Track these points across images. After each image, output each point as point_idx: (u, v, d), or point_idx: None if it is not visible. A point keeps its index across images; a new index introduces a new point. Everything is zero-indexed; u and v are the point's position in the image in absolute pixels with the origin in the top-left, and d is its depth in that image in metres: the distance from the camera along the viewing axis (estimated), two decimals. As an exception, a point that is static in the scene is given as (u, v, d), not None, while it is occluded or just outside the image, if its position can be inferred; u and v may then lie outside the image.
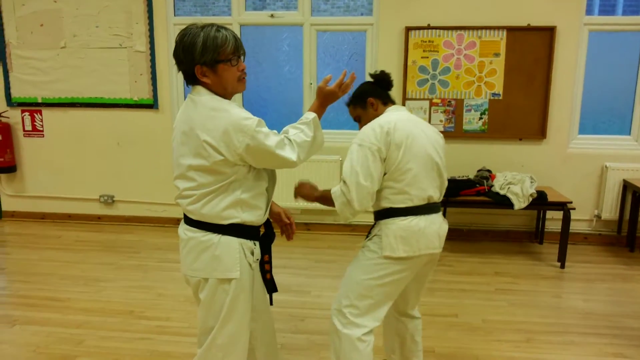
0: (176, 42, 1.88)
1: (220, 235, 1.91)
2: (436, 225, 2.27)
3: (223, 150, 1.81)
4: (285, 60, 5.15)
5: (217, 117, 1.82)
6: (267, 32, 5.12)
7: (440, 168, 2.29)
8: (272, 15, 4.99)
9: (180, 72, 1.93)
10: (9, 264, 4.38)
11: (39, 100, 5.33)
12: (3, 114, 5.37)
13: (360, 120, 2.43)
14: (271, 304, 2.23)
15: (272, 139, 1.87)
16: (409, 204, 2.21)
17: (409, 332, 2.54)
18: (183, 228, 2.00)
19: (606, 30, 4.72)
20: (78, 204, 5.51)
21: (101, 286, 3.88)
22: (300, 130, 2.01)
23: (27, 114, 5.40)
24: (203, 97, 1.88)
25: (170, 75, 5.14)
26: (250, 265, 1.99)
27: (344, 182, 2.20)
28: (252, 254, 1.99)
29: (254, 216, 1.96)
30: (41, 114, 5.38)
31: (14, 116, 5.41)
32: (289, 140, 1.95)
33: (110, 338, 3.13)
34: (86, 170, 5.42)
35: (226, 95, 1.93)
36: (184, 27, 1.94)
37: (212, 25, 1.86)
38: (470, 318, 3.40)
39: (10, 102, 5.36)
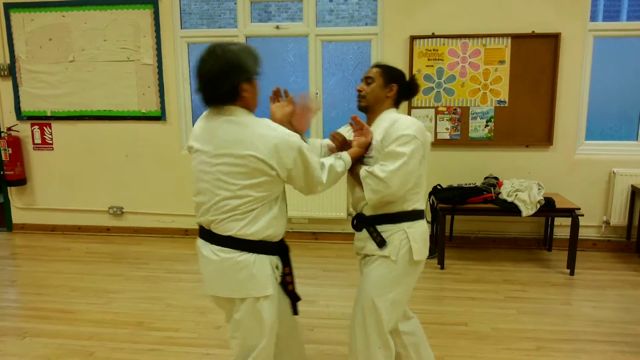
0: (213, 62, 1.86)
1: (255, 254, 1.95)
2: None
3: (275, 166, 1.88)
4: (290, 70, 5.18)
5: (266, 135, 1.87)
6: (272, 44, 5.16)
7: None
8: (277, 27, 5.03)
9: (204, 94, 1.94)
10: (20, 277, 4.42)
11: (48, 114, 5.39)
12: (13, 128, 5.43)
13: (368, 85, 2.30)
14: (296, 313, 2.23)
15: (314, 157, 2.00)
16: (423, 206, 2.29)
17: (419, 336, 2.53)
18: (211, 249, 1.98)
19: (611, 36, 4.72)
20: (87, 215, 5.55)
21: (111, 297, 3.90)
22: (338, 158, 2.14)
23: (36, 127, 5.46)
24: (242, 117, 1.92)
25: (178, 87, 5.18)
26: (277, 279, 2.06)
27: (383, 177, 2.10)
28: (277, 268, 2.06)
29: (280, 231, 2.04)
30: (50, 127, 5.44)
31: (24, 130, 5.47)
32: (323, 163, 2.06)
33: (120, 349, 3.14)
34: (95, 182, 5.46)
35: (254, 108, 2.00)
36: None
37: (241, 42, 1.96)
38: (479, 326, 3.39)
39: (20, 116, 5.43)
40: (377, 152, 2.20)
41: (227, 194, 1.90)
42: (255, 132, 1.88)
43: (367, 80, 2.31)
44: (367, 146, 2.22)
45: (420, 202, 2.26)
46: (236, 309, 1.99)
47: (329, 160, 2.10)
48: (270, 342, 2.07)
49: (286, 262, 2.13)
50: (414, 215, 2.23)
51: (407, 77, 2.38)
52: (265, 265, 1.99)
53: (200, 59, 1.91)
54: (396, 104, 2.34)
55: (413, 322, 2.54)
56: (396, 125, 2.16)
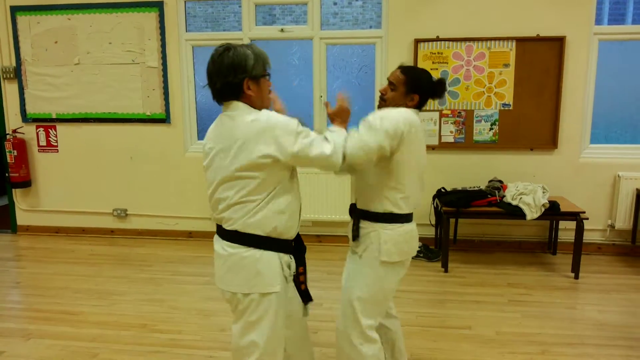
0: (217, 59, 1.95)
1: (261, 250, 1.97)
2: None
3: (277, 153, 1.88)
4: (295, 73, 5.19)
5: (263, 125, 1.90)
6: (277, 47, 5.17)
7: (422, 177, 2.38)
8: (282, 30, 5.04)
9: (214, 90, 1.99)
10: (24, 278, 4.43)
11: (54, 116, 5.41)
12: (18, 130, 5.45)
13: (391, 90, 2.33)
14: (306, 314, 2.26)
15: (313, 136, 1.96)
16: (406, 209, 2.29)
17: (398, 334, 2.61)
18: (221, 244, 2.02)
19: (616, 40, 4.71)
20: (91, 217, 5.57)
21: (114, 299, 3.91)
22: (333, 133, 2.07)
23: (41, 129, 5.49)
24: (240, 111, 1.96)
25: (182, 90, 5.20)
26: (286, 278, 2.05)
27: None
28: (289, 267, 2.06)
29: (289, 229, 2.03)
30: (55, 130, 5.46)
31: (29, 132, 5.49)
32: (326, 138, 2.00)
33: (123, 351, 3.15)
34: (100, 184, 5.48)
35: (262, 108, 2.02)
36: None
37: (247, 44, 1.99)
38: (483, 330, 3.38)
39: (25, 118, 5.45)
40: None
41: (227, 187, 1.94)
42: (245, 119, 1.92)
43: (390, 85, 2.33)
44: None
45: (401, 205, 2.26)
46: (241, 303, 2.00)
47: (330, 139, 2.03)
48: (278, 341, 2.08)
49: (301, 261, 2.14)
50: (392, 217, 2.25)
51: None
52: (273, 262, 1.99)
53: (213, 55, 1.98)
54: (419, 107, 2.35)
55: (395, 321, 2.61)
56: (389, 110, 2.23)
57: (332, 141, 1.99)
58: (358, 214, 2.33)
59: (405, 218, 2.29)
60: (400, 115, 2.17)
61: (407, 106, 2.30)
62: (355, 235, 2.31)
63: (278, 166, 1.91)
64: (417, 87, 2.32)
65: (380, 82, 4.95)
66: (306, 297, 2.22)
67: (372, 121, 2.13)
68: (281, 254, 2.02)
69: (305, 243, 2.26)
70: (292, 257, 2.09)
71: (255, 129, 1.89)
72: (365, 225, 2.29)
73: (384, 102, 2.35)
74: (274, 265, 1.99)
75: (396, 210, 2.25)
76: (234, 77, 1.92)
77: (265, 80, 2.02)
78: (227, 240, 2.00)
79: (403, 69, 2.35)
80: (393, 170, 2.21)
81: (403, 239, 2.28)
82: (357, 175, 2.35)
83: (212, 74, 1.96)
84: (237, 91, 1.95)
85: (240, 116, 1.93)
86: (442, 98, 2.38)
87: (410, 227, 2.32)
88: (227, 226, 1.98)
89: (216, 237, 2.08)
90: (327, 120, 2.27)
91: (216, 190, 1.97)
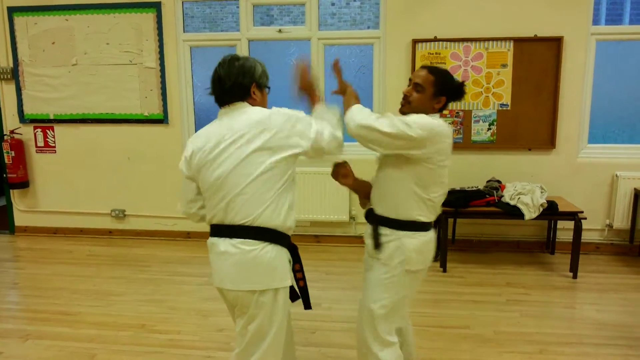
0: (228, 63, 2.05)
1: (276, 246, 2.01)
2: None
3: (295, 139, 1.99)
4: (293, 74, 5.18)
5: (278, 116, 2.00)
6: (275, 47, 5.17)
7: None
8: (280, 31, 5.04)
9: (221, 92, 2.06)
10: (22, 279, 4.42)
11: (51, 117, 5.40)
12: (16, 131, 5.44)
13: (417, 93, 2.17)
14: (310, 307, 2.25)
15: (317, 124, 2.08)
16: (432, 217, 2.24)
17: (408, 338, 2.56)
18: (230, 242, 1.98)
19: (613, 40, 4.72)
20: (90, 218, 5.56)
21: (112, 300, 3.90)
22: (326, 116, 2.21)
23: (39, 130, 5.48)
24: (250, 108, 2.04)
25: (180, 91, 5.19)
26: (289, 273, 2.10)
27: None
28: (290, 263, 2.11)
29: (293, 224, 2.08)
30: (53, 130, 5.45)
31: (27, 132, 5.48)
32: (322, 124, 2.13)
33: (122, 352, 3.14)
34: (98, 185, 5.47)
35: None
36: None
37: (253, 58, 2.13)
38: (482, 329, 3.38)
39: (22, 118, 5.44)
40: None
41: (243, 177, 1.94)
42: (264, 112, 2.01)
43: (417, 87, 2.17)
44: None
45: (426, 214, 2.19)
46: (255, 301, 1.98)
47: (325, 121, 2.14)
48: (284, 335, 2.12)
49: (296, 259, 2.16)
50: (416, 225, 2.18)
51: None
52: (285, 257, 2.05)
53: (221, 62, 2.08)
54: (440, 111, 2.23)
55: (407, 328, 2.55)
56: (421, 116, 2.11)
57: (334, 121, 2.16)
58: (377, 220, 2.25)
59: (429, 226, 2.23)
60: (441, 125, 2.10)
61: (433, 109, 2.18)
62: (378, 244, 2.22)
63: (295, 158, 2.02)
64: (445, 88, 2.18)
65: (379, 83, 4.96)
66: (304, 293, 2.23)
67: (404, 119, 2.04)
68: (286, 249, 2.07)
69: (303, 243, 2.27)
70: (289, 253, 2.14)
71: (278, 122, 1.97)
72: (388, 233, 2.20)
73: (408, 105, 2.18)
74: (285, 259, 2.05)
75: (423, 219, 2.18)
76: (243, 79, 2.03)
77: (265, 92, 2.14)
78: (241, 237, 1.97)
79: (430, 69, 2.19)
80: (424, 179, 2.12)
81: (426, 248, 2.22)
82: (379, 181, 2.29)
83: (223, 77, 2.03)
84: (246, 93, 2.05)
85: (253, 110, 2.02)
86: (462, 96, 2.25)
87: (432, 235, 2.26)
88: (240, 221, 1.95)
89: (218, 239, 2.03)
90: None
91: (226, 183, 1.96)
